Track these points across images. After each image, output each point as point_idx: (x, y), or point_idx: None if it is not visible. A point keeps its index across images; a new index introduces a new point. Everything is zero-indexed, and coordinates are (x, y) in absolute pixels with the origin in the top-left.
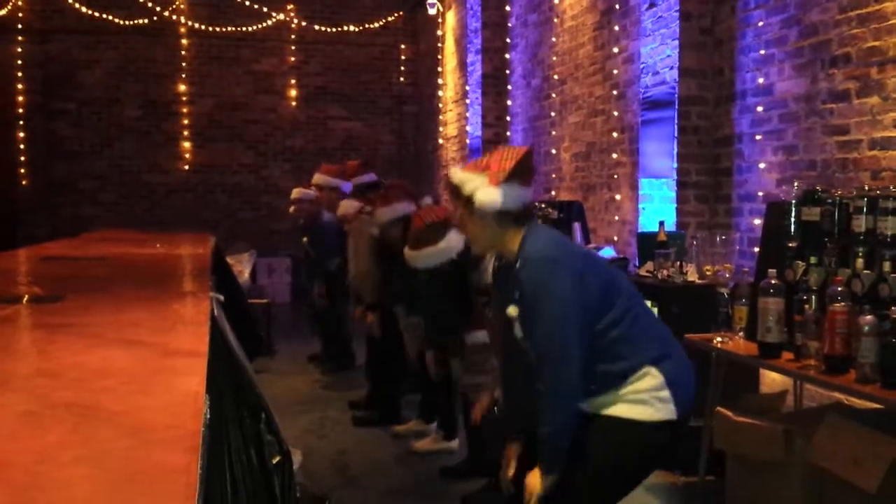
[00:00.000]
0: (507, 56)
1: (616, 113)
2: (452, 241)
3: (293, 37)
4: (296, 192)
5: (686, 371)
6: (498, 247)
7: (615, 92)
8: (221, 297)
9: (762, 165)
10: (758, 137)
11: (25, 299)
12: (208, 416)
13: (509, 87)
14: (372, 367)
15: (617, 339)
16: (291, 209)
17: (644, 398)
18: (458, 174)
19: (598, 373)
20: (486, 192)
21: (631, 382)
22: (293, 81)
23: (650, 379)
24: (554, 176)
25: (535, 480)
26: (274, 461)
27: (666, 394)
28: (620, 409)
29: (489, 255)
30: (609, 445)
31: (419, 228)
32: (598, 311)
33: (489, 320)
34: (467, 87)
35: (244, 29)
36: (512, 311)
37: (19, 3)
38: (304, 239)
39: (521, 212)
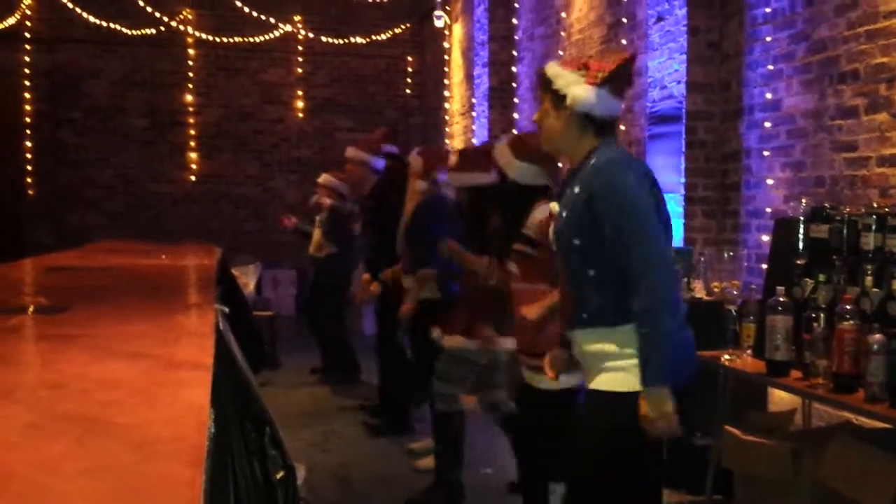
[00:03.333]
0: (514, 69)
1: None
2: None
3: (300, 48)
4: (323, 178)
5: (685, 344)
6: (570, 151)
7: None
8: (226, 310)
9: (770, 181)
10: (765, 153)
11: (31, 310)
12: (212, 429)
13: (516, 100)
14: (382, 374)
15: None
16: (315, 198)
17: (624, 365)
18: (553, 67)
19: (607, 300)
20: (582, 91)
21: (624, 331)
22: (300, 92)
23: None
24: None
25: (657, 404)
26: (278, 476)
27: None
28: (603, 382)
29: (537, 208)
30: (606, 424)
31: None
32: None
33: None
34: (474, 100)
35: (251, 40)
36: (554, 206)
37: (27, 11)
38: (318, 217)
39: (605, 121)
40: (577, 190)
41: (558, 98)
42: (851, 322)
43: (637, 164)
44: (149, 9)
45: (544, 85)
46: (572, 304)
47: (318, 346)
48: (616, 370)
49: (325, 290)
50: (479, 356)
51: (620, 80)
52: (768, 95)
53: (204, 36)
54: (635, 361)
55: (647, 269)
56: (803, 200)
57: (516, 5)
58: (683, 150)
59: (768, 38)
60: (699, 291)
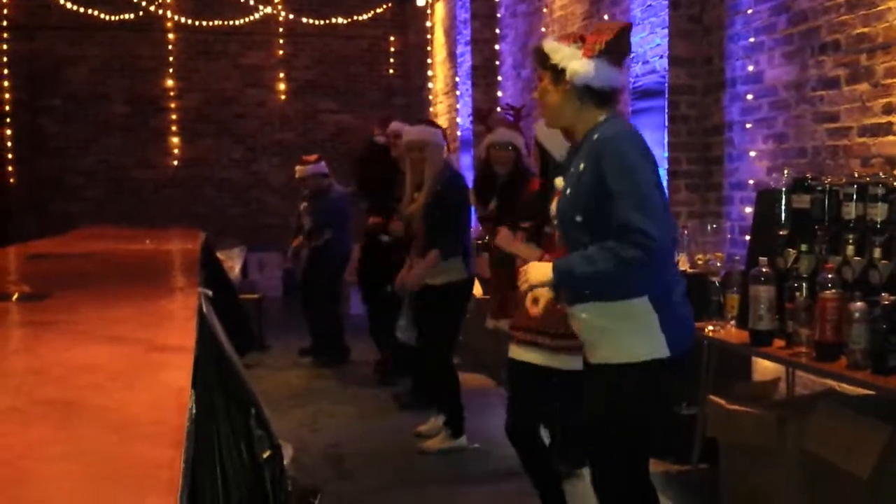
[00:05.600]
0: (497, 47)
1: None
2: None
3: (281, 30)
4: (299, 171)
5: (687, 317)
6: (573, 125)
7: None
8: (209, 293)
9: (753, 153)
10: (748, 125)
11: (14, 297)
12: (194, 410)
13: (499, 78)
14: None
15: None
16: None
17: (627, 336)
18: (550, 43)
19: None
20: (579, 64)
21: (626, 305)
22: (282, 75)
23: (641, 305)
24: None
25: (541, 271)
26: (264, 455)
27: (656, 330)
28: (608, 355)
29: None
30: (617, 396)
31: None
32: None
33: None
34: (457, 79)
35: (231, 23)
36: (559, 181)
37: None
38: (303, 205)
39: (606, 93)
40: (581, 166)
41: (557, 73)
42: (833, 291)
43: (641, 140)
44: None
45: (542, 61)
46: None
47: (308, 328)
48: (620, 342)
49: (323, 272)
50: None
51: (618, 49)
52: (750, 68)
53: (183, 20)
54: (639, 330)
55: (642, 231)
56: (785, 172)
57: None
58: (666, 124)
59: (749, 11)
60: (683, 264)
